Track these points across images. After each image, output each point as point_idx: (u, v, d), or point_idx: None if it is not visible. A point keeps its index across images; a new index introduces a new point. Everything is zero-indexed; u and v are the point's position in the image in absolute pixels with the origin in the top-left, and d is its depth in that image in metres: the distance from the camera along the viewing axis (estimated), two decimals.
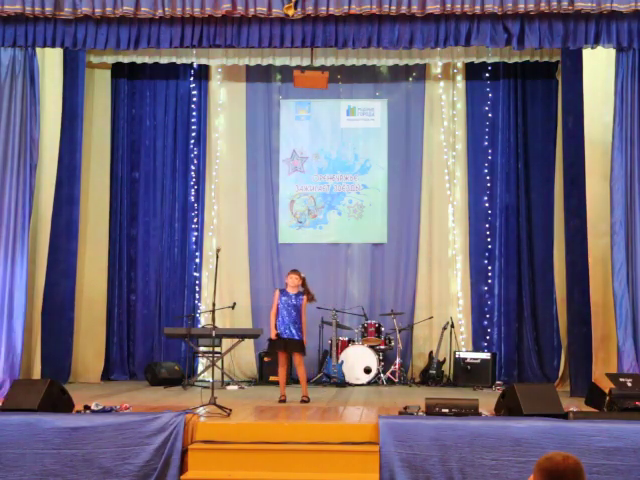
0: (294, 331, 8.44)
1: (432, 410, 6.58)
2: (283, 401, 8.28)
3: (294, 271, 8.70)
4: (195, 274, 11.48)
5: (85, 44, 8.46)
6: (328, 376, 10.35)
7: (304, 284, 8.64)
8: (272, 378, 10.36)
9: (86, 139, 10.65)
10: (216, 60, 11.11)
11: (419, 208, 11.46)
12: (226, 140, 11.66)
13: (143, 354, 11.27)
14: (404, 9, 7.98)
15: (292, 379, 9.58)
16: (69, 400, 6.96)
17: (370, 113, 11.61)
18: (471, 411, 6.56)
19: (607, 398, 6.91)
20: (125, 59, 10.93)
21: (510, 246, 11.27)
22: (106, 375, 10.89)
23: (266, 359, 10.59)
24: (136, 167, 11.61)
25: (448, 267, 11.36)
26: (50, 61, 9.64)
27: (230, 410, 6.86)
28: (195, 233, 11.54)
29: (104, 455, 6.12)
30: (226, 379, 10.37)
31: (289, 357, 8.74)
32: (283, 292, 8.60)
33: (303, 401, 8.29)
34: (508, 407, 6.70)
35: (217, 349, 10.02)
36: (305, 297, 8.58)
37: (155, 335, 11.31)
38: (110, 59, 10.90)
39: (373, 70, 11.46)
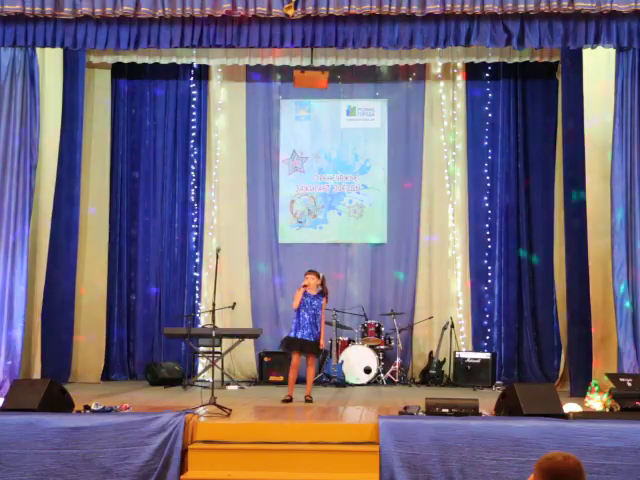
0: (314, 331, 8.36)
1: (432, 410, 6.58)
2: (287, 401, 8.23)
3: (312, 271, 8.57)
4: (195, 274, 11.47)
5: (85, 44, 8.48)
6: (328, 376, 10.34)
7: (323, 283, 8.55)
8: (272, 378, 10.38)
9: (86, 139, 10.65)
10: (216, 60, 11.11)
11: (419, 208, 11.46)
12: (226, 140, 11.65)
13: (143, 354, 11.26)
14: (404, 9, 7.98)
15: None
16: (69, 400, 6.96)
17: (370, 113, 11.60)
18: (471, 411, 6.56)
19: None
20: (125, 59, 10.92)
21: (510, 246, 11.27)
22: (106, 375, 10.88)
23: (266, 359, 10.58)
24: (136, 167, 11.60)
25: (448, 267, 11.35)
26: (50, 61, 9.64)
27: (230, 410, 6.86)
28: (195, 233, 11.53)
29: (104, 455, 6.12)
30: (226, 379, 10.37)
31: (302, 358, 8.54)
32: (305, 292, 8.44)
33: (307, 400, 8.28)
34: (508, 407, 6.70)
35: (217, 349, 10.00)
36: (325, 299, 8.51)
37: (155, 335, 11.30)
38: (110, 59, 10.89)
39: (373, 70, 11.44)
